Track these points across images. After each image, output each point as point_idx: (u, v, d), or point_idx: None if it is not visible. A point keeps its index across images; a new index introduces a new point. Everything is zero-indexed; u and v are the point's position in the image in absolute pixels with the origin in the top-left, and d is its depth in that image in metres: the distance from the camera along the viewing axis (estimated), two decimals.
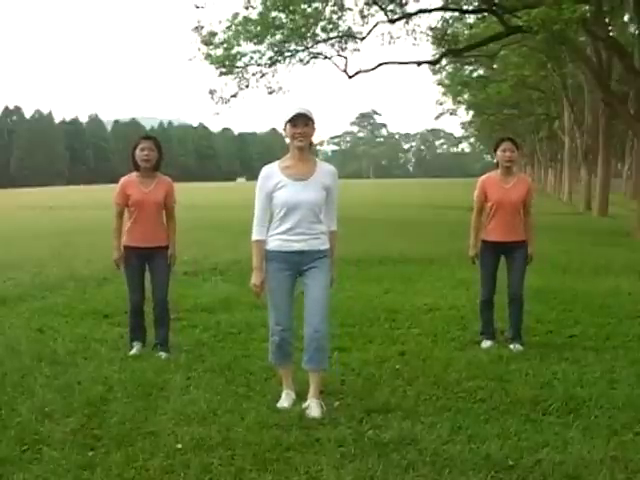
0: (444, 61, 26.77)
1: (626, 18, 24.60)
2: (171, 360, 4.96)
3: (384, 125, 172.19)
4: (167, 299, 5.25)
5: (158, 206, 5.15)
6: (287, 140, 4.06)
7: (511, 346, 5.34)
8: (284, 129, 3.99)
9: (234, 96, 20.88)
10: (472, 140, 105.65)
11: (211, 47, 19.75)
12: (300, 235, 3.94)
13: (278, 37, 19.11)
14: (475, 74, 36.72)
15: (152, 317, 5.28)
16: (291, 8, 18.04)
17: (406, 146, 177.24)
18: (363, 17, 19.42)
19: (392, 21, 19.30)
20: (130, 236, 5.14)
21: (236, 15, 19.44)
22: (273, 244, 4.00)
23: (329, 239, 4.09)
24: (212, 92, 20.97)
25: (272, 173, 4.00)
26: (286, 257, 3.97)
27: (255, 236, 4.04)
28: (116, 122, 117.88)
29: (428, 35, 21.29)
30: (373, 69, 20.51)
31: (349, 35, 19.77)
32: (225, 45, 19.66)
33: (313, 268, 3.98)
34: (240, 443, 3.46)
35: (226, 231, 15.72)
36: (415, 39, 21.11)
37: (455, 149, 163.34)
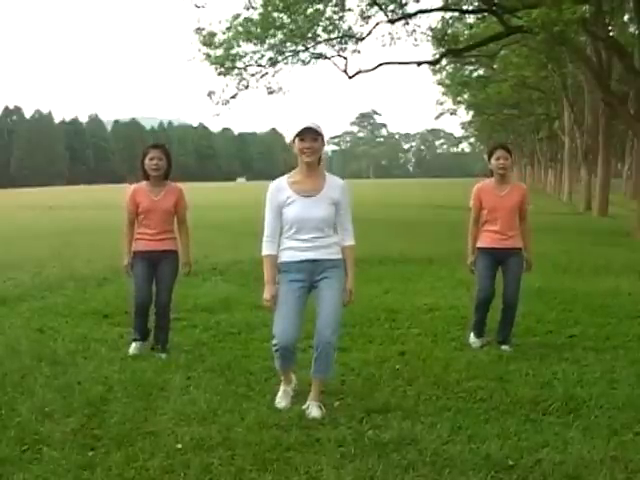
0: (444, 61, 26.78)
1: (626, 18, 24.64)
2: (171, 360, 4.96)
3: (384, 125, 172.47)
4: (169, 305, 5.24)
5: (167, 214, 5.18)
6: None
7: (502, 347, 5.35)
8: (292, 143, 3.94)
9: (233, 97, 20.89)
10: (472, 140, 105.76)
11: (211, 47, 19.76)
12: (310, 250, 3.92)
13: (279, 37, 19.12)
14: (475, 74, 36.74)
15: (154, 319, 5.28)
16: (292, 9, 18.04)
17: (406, 146, 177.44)
18: (364, 18, 19.43)
19: (392, 21, 19.31)
20: (139, 243, 5.17)
21: (237, 16, 19.46)
22: (285, 255, 3.96)
23: (345, 253, 4.07)
24: (211, 93, 20.99)
25: (281, 187, 3.97)
26: (299, 267, 3.93)
27: (265, 251, 4.00)
28: (116, 122, 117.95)
29: (428, 35, 21.31)
30: (373, 69, 20.53)
31: (349, 35, 19.77)
32: (225, 45, 19.68)
33: (326, 278, 3.96)
34: (240, 443, 3.46)
35: (226, 231, 15.73)
36: (415, 39, 21.14)
37: (455, 149, 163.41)
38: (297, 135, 3.87)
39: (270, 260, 3.99)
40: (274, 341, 3.97)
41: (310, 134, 3.86)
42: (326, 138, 4.14)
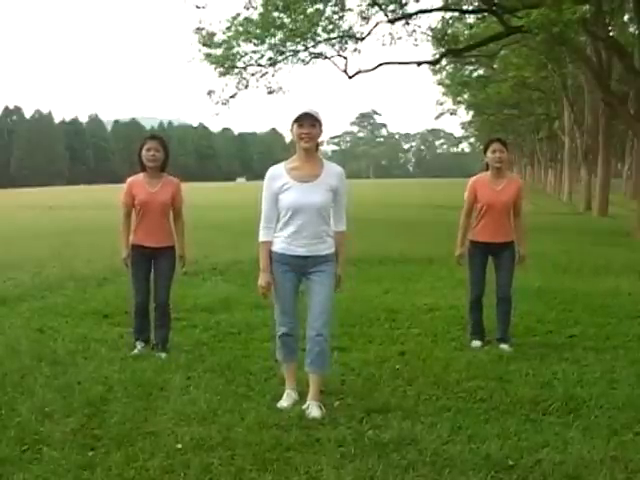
0: (444, 61, 26.77)
1: (626, 18, 24.65)
2: (171, 360, 4.96)
3: (384, 125, 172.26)
4: (168, 302, 5.24)
5: (164, 206, 5.15)
6: (289, 139, 4.05)
7: (501, 346, 5.35)
8: (291, 130, 3.95)
9: (233, 97, 20.90)
10: (472, 140, 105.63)
11: (211, 47, 19.77)
12: (305, 239, 3.93)
13: (279, 37, 19.12)
14: (475, 74, 36.75)
15: (153, 317, 5.28)
16: (292, 8, 18.04)
17: (406, 146, 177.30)
18: (364, 18, 19.43)
19: (392, 21, 19.31)
20: (136, 236, 5.16)
21: (237, 16, 19.47)
22: (278, 246, 3.99)
23: (337, 240, 4.07)
24: (210, 93, 21.00)
25: (278, 174, 3.98)
26: (290, 260, 3.97)
27: (262, 238, 4.03)
28: (116, 122, 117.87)
29: (428, 35, 21.31)
30: (373, 69, 20.52)
31: (349, 35, 19.77)
32: (225, 45, 19.68)
33: (318, 272, 3.98)
34: (240, 443, 3.46)
35: (226, 231, 15.72)
36: (415, 39, 21.14)
37: (455, 149, 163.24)
38: (295, 121, 3.88)
39: (266, 247, 4.03)
40: (277, 328, 4.09)
41: (308, 120, 3.87)
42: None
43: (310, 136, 3.89)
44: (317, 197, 3.91)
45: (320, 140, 4.03)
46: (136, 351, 5.19)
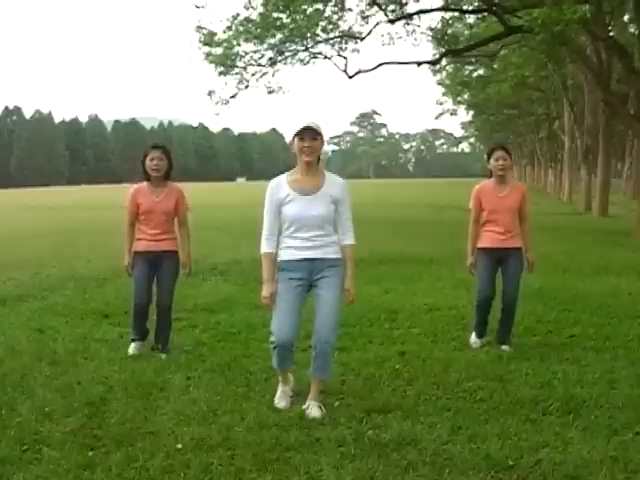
0: (444, 61, 26.79)
1: (626, 18, 24.63)
2: (171, 360, 4.96)
3: (384, 125, 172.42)
4: (171, 305, 5.24)
5: (168, 215, 5.18)
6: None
7: (502, 347, 5.36)
8: (292, 143, 3.95)
9: (233, 97, 20.92)
10: (472, 140, 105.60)
11: (212, 46, 19.79)
12: (311, 248, 3.92)
13: (278, 37, 19.14)
14: (475, 74, 36.75)
15: (154, 318, 5.28)
16: (292, 8, 18.05)
17: (406, 146, 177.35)
18: (364, 18, 19.45)
19: (392, 21, 19.33)
20: (139, 243, 5.17)
21: (237, 16, 19.49)
22: (285, 255, 3.97)
23: (345, 253, 4.05)
24: (211, 93, 21.03)
25: (280, 185, 3.97)
26: (298, 265, 3.93)
27: (264, 249, 4.01)
28: (116, 122, 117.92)
29: (428, 35, 21.33)
30: (373, 69, 20.55)
31: (349, 35, 19.79)
32: (225, 45, 19.70)
33: (325, 277, 3.96)
34: (240, 443, 3.46)
35: (226, 231, 15.73)
36: (415, 39, 21.18)
37: (455, 149, 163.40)
38: (296, 134, 3.88)
39: (269, 258, 3.99)
40: (272, 339, 3.98)
41: (310, 133, 3.87)
42: (326, 138, 4.16)
43: (312, 149, 3.89)
44: (319, 209, 3.91)
45: (322, 152, 4.03)
46: (135, 351, 5.19)
